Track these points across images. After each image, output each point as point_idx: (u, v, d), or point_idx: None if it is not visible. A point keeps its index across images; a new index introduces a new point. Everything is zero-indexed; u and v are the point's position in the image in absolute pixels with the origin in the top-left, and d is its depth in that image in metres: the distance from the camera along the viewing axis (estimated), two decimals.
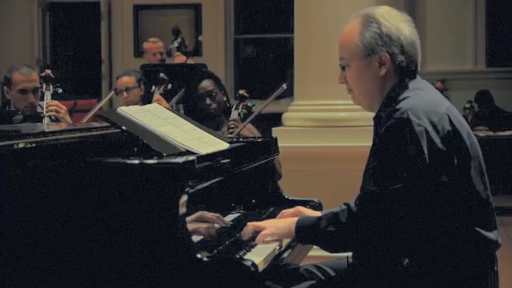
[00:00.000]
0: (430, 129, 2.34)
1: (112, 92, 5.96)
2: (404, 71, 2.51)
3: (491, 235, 2.44)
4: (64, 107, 4.60)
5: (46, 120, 4.44)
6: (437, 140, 2.34)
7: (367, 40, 2.49)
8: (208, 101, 4.69)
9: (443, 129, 2.36)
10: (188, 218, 2.47)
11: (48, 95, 4.63)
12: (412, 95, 2.46)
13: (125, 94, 5.79)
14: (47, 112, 4.49)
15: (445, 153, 2.35)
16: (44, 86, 4.64)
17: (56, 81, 4.73)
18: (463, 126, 2.44)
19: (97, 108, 5.46)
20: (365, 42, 2.49)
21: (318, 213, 2.68)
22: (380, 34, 2.48)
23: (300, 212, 2.70)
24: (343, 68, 2.57)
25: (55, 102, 4.57)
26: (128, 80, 5.87)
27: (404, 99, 2.44)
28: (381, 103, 2.53)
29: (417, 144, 2.32)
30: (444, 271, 2.39)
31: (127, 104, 5.60)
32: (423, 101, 2.42)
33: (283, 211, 2.78)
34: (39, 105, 4.70)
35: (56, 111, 4.51)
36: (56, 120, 4.51)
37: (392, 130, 2.36)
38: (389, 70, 2.50)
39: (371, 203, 2.36)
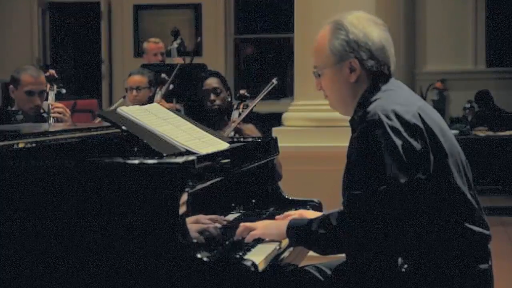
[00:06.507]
0: (401, 128, 2.36)
1: (122, 99, 5.88)
2: (376, 75, 2.54)
3: (478, 228, 2.44)
4: (69, 112, 4.62)
5: (51, 121, 4.43)
6: (410, 139, 2.36)
7: (335, 47, 2.53)
8: (212, 96, 4.74)
9: (415, 127, 2.38)
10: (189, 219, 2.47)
11: (52, 95, 4.62)
12: (383, 96, 2.49)
13: (134, 92, 5.79)
14: (53, 113, 4.49)
15: (420, 151, 2.36)
16: (48, 86, 4.61)
17: (60, 81, 4.74)
18: (436, 123, 2.45)
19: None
20: (334, 50, 2.53)
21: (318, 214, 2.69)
22: (348, 41, 2.52)
23: (303, 215, 2.73)
24: (318, 75, 2.62)
25: (61, 105, 4.57)
26: (140, 79, 5.89)
27: (374, 101, 2.48)
28: (355, 107, 2.57)
29: (391, 144, 2.34)
30: (437, 268, 2.40)
31: (135, 103, 5.61)
32: (393, 101, 2.45)
33: (286, 213, 2.80)
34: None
35: (61, 113, 4.53)
36: (58, 122, 4.51)
37: (365, 133, 2.40)
38: (361, 76, 2.54)
39: (359, 207, 2.36)
